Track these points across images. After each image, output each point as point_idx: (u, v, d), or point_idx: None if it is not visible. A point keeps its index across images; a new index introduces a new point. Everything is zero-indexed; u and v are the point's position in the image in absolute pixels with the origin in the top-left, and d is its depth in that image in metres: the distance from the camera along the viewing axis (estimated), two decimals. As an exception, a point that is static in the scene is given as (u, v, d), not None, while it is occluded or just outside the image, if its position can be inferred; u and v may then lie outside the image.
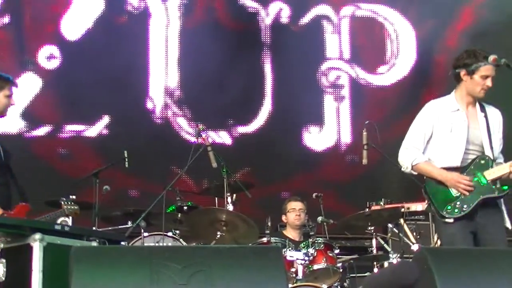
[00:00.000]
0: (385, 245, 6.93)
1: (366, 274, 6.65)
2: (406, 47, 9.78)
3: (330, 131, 9.35)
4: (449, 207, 5.00)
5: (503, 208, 5.12)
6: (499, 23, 9.49)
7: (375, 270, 6.57)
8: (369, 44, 9.79)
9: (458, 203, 5.00)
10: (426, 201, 5.23)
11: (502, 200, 5.12)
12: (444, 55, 9.64)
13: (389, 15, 9.78)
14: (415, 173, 5.21)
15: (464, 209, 4.98)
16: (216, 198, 7.30)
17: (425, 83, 9.41)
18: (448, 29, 9.79)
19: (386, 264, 6.52)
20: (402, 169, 5.25)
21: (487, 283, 3.82)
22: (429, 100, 5.36)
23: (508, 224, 5.11)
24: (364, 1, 9.76)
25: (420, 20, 9.73)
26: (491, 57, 5.10)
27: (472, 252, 4.42)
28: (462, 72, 5.14)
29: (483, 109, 5.22)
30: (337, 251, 6.44)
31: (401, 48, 9.77)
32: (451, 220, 4.97)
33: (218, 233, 6.44)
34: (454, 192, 5.04)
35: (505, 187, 5.09)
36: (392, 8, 9.77)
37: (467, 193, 5.00)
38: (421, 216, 7.36)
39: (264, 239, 6.33)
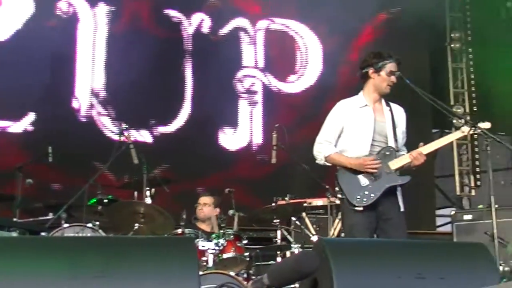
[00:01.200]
0: (288, 236, 6.94)
1: (270, 263, 6.65)
2: (313, 59, 9.87)
3: (244, 132, 9.35)
4: (358, 197, 5.03)
5: (399, 194, 5.16)
6: (395, 41, 9.69)
7: (279, 259, 6.58)
8: (281, 55, 9.84)
9: (366, 192, 5.03)
10: (332, 193, 5.24)
11: (400, 189, 5.18)
12: (346, 67, 9.76)
13: (300, 29, 9.85)
14: (328, 164, 5.23)
15: (371, 197, 5.01)
16: (136, 192, 7.16)
17: (329, 92, 9.48)
18: (351, 45, 9.92)
19: (288, 253, 6.51)
20: (317, 161, 5.27)
21: (379, 271, 3.83)
22: (332, 106, 5.40)
23: (403, 209, 5.15)
24: (278, 16, 9.80)
25: (326, 35, 9.83)
26: (387, 70, 5.18)
27: (366, 243, 4.45)
28: (370, 71, 5.20)
29: (388, 105, 5.30)
30: (245, 241, 6.40)
31: (309, 60, 9.86)
32: (361, 208, 5.00)
33: (136, 224, 6.31)
34: (362, 182, 5.08)
35: (407, 176, 5.15)
36: (302, 23, 9.84)
37: (375, 171, 5.03)
38: (321, 210, 7.40)
39: (179, 230, 6.25)
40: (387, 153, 5.13)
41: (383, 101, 5.28)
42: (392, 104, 5.31)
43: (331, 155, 5.18)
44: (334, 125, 5.23)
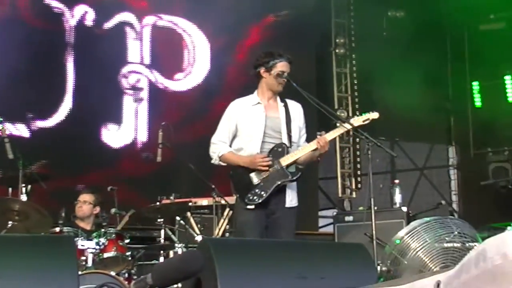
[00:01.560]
0: (172, 236, 6.89)
1: (153, 262, 6.59)
2: (201, 57, 9.83)
3: (128, 129, 9.17)
4: (250, 195, 5.06)
5: (289, 189, 5.20)
6: (283, 43, 9.84)
7: (162, 258, 6.53)
8: (168, 52, 9.73)
9: (257, 190, 5.08)
10: (217, 192, 5.26)
11: (295, 183, 5.24)
12: (233, 67, 9.84)
13: (188, 27, 9.79)
14: (223, 164, 5.24)
15: (263, 195, 5.06)
16: (10, 188, 6.88)
17: (216, 90, 9.52)
18: (238, 45, 9.99)
19: (171, 253, 6.48)
20: (212, 161, 5.29)
21: (262, 271, 3.88)
22: (220, 106, 5.43)
23: (287, 204, 5.21)
24: (166, 13, 9.69)
25: (214, 35, 9.84)
26: (274, 73, 5.25)
27: (250, 243, 4.48)
28: (262, 70, 5.26)
29: (283, 101, 5.35)
30: (127, 240, 6.32)
31: (197, 58, 9.82)
32: (253, 207, 5.04)
33: (10, 222, 6.01)
34: (255, 180, 5.11)
35: (297, 171, 5.20)
36: (190, 21, 9.79)
37: (266, 168, 5.07)
38: (206, 210, 7.40)
39: (57, 229, 6.06)
40: (279, 149, 5.19)
41: (278, 98, 5.34)
42: (288, 101, 5.38)
43: (225, 155, 5.22)
44: (227, 124, 5.27)
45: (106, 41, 9.10)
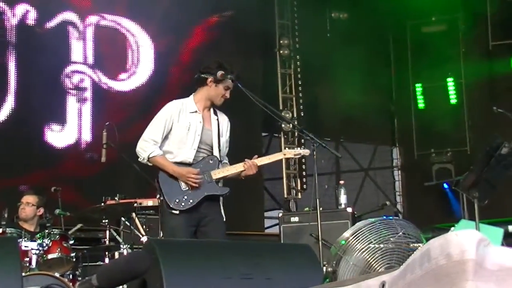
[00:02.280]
0: (117, 237, 6.83)
1: (98, 263, 6.53)
2: (145, 57, 9.78)
3: (72, 129, 9.05)
4: (177, 200, 5.04)
5: (221, 204, 5.24)
6: (228, 44, 9.87)
7: (107, 260, 6.47)
8: (112, 52, 9.64)
9: (185, 197, 5.06)
10: (157, 193, 5.25)
11: (221, 198, 5.25)
12: (177, 68, 9.82)
13: (131, 27, 9.72)
14: (150, 164, 5.19)
15: (190, 202, 5.05)
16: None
17: (160, 91, 9.48)
18: (182, 45, 9.97)
19: (117, 254, 6.43)
20: (139, 159, 5.21)
21: (208, 271, 3.88)
22: (163, 105, 5.38)
23: (224, 218, 5.24)
24: (109, 13, 9.60)
25: (158, 35, 9.80)
26: (219, 73, 5.23)
27: (196, 244, 4.49)
28: (210, 79, 5.21)
29: (216, 114, 5.33)
30: (72, 241, 6.27)
31: (141, 58, 9.75)
32: (177, 212, 5.02)
33: (-51, 224, 5.95)
34: (183, 186, 5.09)
35: (227, 187, 5.24)
36: (133, 22, 9.72)
37: (196, 186, 5.07)
38: (151, 211, 7.35)
39: (0, 230, 5.98)
40: (211, 161, 5.20)
41: (212, 109, 5.33)
42: (219, 113, 5.37)
43: (156, 158, 5.14)
44: (162, 125, 5.18)
45: (49, 41, 8.97)
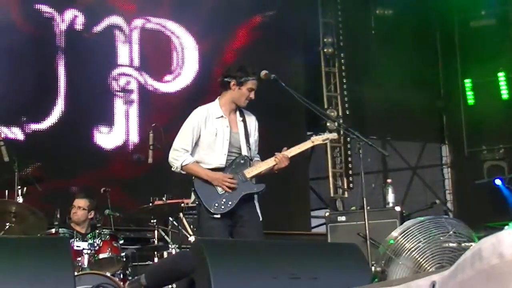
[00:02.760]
0: (166, 237, 6.91)
1: (147, 263, 6.60)
2: (189, 59, 9.85)
3: (119, 131, 9.19)
4: (216, 204, 5.08)
5: (256, 203, 5.27)
6: (271, 44, 9.87)
7: (156, 259, 6.56)
8: (157, 55, 9.76)
9: (224, 200, 5.10)
10: (194, 199, 5.28)
11: (256, 196, 5.28)
12: (221, 68, 9.76)
13: (176, 29, 9.80)
14: (183, 172, 5.23)
15: (229, 204, 5.08)
16: (7, 191, 6.89)
17: (205, 92, 9.48)
18: (226, 46, 10.00)
19: (165, 254, 6.49)
20: (173, 169, 5.27)
21: (255, 271, 3.89)
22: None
23: (260, 218, 5.27)
24: (153, 16, 9.70)
25: (202, 37, 9.85)
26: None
27: (243, 244, 4.50)
28: (232, 82, 5.25)
29: (241, 115, 5.37)
30: (121, 241, 6.36)
31: (186, 60, 9.82)
32: (219, 216, 5.05)
33: (7, 224, 6.10)
34: (219, 190, 5.13)
35: (262, 184, 5.26)
36: (177, 24, 9.80)
37: (231, 190, 5.09)
38: (198, 211, 7.39)
39: (52, 230, 6.10)
40: (242, 161, 5.25)
41: (237, 111, 5.36)
42: (245, 113, 5.39)
43: (189, 165, 5.20)
44: (191, 133, 5.24)
45: (96, 45, 9.13)
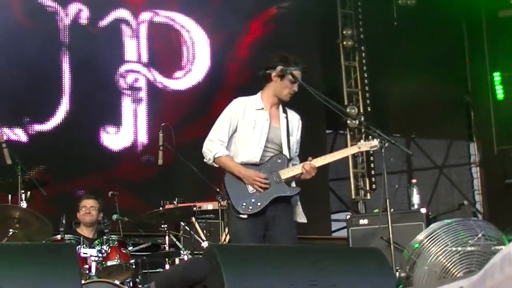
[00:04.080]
0: (177, 242, 6.94)
1: (158, 270, 6.64)
2: (201, 54, 9.86)
3: (127, 131, 9.22)
4: (244, 204, 5.03)
5: (299, 204, 5.22)
6: (285, 37, 9.86)
7: (167, 266, 6.58)
8: (166, 50, 9.77)
9: (253, 200, 5.04)
10: (223, 196, 5.25)
11: (298, 197, 5.23)
12: (234, 64, 9.88)
13: (185, 23, 9.82)
14: (216, 165, 5.21)
15: (258, 205, 5.03)
16: (10, 195, 6.94)
17: (217, 88, 9.57)
18: (239, 40, 10.01)
19: (177, 260, 6.52)
20: (205, 160, 5.22)
21: (271, 278, 3.89)
22: (221, 104, 5.41)
23: (301, 219, 5.23)
24: (162, 8, 9.73)
25: (214, 30, 9.86)
26: (278, 68, 5.19)
27: (258, 249, 4.49)
28: (273, 74, 5.20)
29: (285, 111, 5.30)
30: (130, 247, 6.38)
31: (197, 55, 9.84)
32: (245, 216, 5.01)
33: (11, 230, 6.11)
34: (250, 189, 5.08)
35: (297, 187, 5.19)
36: (187, 17, 9.82)
37: (262, 190, 5.07)
38: (211, 215, 7.41)
39: (58, 236, 6.12)
40: (279, 160, 5.17)
41: (280, 106, 5.30)
42: (288, 111, 5.33)
43: (222, 158, 5.15)
44: (228, 123, 5.19)
45: (102, 40, 9.19)
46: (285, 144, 5.21)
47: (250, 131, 5.16)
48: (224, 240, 6.92)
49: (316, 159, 5.16)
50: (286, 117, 5.28)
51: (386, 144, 5.33)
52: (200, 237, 6.82)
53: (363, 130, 8.75)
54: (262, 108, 5.23)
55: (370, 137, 5.43)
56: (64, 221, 6.25)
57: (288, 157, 5.19)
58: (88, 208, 6.96)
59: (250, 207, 5.03)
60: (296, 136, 5.32)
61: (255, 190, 5.07)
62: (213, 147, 5.17)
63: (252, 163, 5.14)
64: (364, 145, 5.38)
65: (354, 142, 10.62)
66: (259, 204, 5.04)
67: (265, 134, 5.16)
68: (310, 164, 5.12)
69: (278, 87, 5.21)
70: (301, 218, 5.25)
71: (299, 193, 5.20)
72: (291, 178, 5.17)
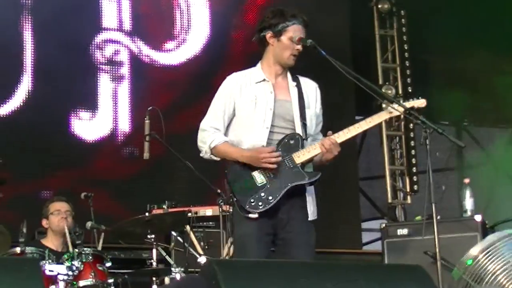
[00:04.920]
0: (167, 257, 6.96)
1: (143, 292, 6.67)
2: (198, 20, 9.89)
3: (105, 117, 9.25)
4: (252, 200, 5.04)
5: (308, 196, 5.20)
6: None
7: (154, 287, 6.59)
8: (155, 15, 9.79)
9: (262, 194, 5.05)
10: (225, 199, 5.26)
11: (312, 188, 5.22)
12: (241, 32, 9.87)
13: (180, -20, 9.85)
14: (216, 158, 5.23)
15: (269, 199, 5.03)
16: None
17: (220, 63, 9.55)
18: (247, 2, 10.02)
19: (167, 280, 6.56)
20: (201, 154, 5.26)
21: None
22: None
23: (310, 217, 5.21)
24: (149, -39, 9.77)
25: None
26: (297, 37, 5.23)
27: (268, 266, 4.48)
28: (268, 35, 5.21)
29: (295, 80, 5.31)
30: (109, 263, 6.40)
31: (193, 21, 9.86)
32: (256, 215, 5.01)
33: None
34: (259, 181, 5.09)
35: (316, 172, 5.17)
36: (182, -28, 9.86)
37: (275, 166, 5.05)
38: (210, 223, 7.44)
39: (17, 249, 6.17)
40: (292, 141, 5.17)
41: (288, 75, 5.31)
42: (301, 79, 5.34)
43: (219, 146, 5.18)
44: (222, 106, 5.23)
45: (74, 2, 9.15)
46: (297, 120, 5.21)
47: (251, 110, 5.18)
48: (227, 254, 6.95)
49: (338, 133, 5.16)
50: (298, 86, 5.28)
51: (431, 133, 5.31)
52: (196, 250, 6.85)
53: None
54: (264, 80, 5.24)
55: (412, 99, 5.38)
56: (25, 230, 6.27)
57: (304, 135, 5.19)
58: (64, 212, 7.01)
59: (261, 203, 5.04)
60: (314, 108, 5.31)
61: (265, 181, 5.08)
62: (206, 137, 5.21)
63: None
64: (400, 107, 5.30)
65: (391, 131, 10.64)
66: (270, 198, 5.05)
67: (270, 110, 5.17)
68: (329, 139, 5.12)
69: (277, 50, 5.22)
70: (310, 214, 5.23)
71: (318, 180, 5.18)
72: (308, 161, 5.16)
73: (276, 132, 5.18)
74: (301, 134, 5.19)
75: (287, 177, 5.10)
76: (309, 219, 5.19)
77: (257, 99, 5.19)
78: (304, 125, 5.21)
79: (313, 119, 5.29)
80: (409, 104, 5.30)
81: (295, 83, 5.29)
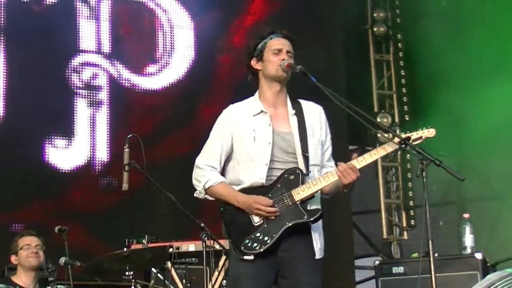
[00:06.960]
0: (147, 296, 6.95)
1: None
2: (182, 42, 9.90)
3: (82, 145, 9.23)
4: (248, 241, 5.01)
5: (317, 235, 5.17)
6: (297, 21, 9.87)
7: (133, 330, 6.59)
8: (136, 36, 9.81)
9: (258, 234, 5.02)
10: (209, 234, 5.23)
11: (320, 224, 5.19)
12: (228, 56, 9.89)
13: (163, 0, 9.86)
14: (211, 198, 5.20)
15: (266, 241, 5.00)
16: None
17: (204, 89, 9.57)
18: (234, 24, 10.06)
19: (147, 321, 6.55)
20: (195, 194, 5.23)
21: None
22: (209, 110, 5.43)
23: (318, 255, 5.16)
24: (132, -19, 9.79)
25: (200, 10, 9.90)
26: (285, 63, 5.23)
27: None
28: (253, 62, 5.23)
29: (296, 106, 5.28)
30: (84, 303, 6.41)
31: (177, 44, 9.88)
32: (251, 257, 4.98)
33: None
34: (256, 220, 5.06)
35: (316, 209, 5.12)
36: (165, -8, 9.89)
37: (272, 217, 5.03)
38: (193, 259, 7.43)
39: (-15, 288, 6.17)
40: (291, 177, 5.11)
41: (288, 102, 5.29)
42: (303, 103, 5.31)
43: (214, 187, 5.15)
44: (219, 142, 5.21)
45: (49, 22, 9.19)
46: (299, 152, 5.18)
47: (250, 146, 5.15)
48: (211, 293, 6.94)
49: (358, 158, 5.07)
50: (299, 114, 5.25)
51: (428, 165, 5.31)
52: (177, 288, 6.84)
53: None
54: (261, 111, 5.22)
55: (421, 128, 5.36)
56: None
57: (305, 169, 5.18)
58: (34, 247, 6.97)
59: (256, 244, 5.00)
60: (319, 135, 5.26)
61: (262, 221, 5.05)
62: (201, 176, 5.18)
63: (258, 186, 5.12)
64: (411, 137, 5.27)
65: (386, 162, 10.65)
66: (266, 239, 5.01)
67: (269, 145, 5.14)
68: (348, 164, 5.03)
69: (265, 71, 5.22)
70: (317, 252, 5.21)
71: (319, 218, 5.14)
72: (308, 197, 5.13)
73: (276, 168, 5.14)
74: (302, 168, 5.16)
75: (286, 216, 5.05)
76: (316, 257, 5.14)
77: (256, 134, 5.17)
78: (306, 157, 5.18)
79: (318, 147, 5.23)
80: (416, 134, 5.28)
81: (294, 111, 5.26)
